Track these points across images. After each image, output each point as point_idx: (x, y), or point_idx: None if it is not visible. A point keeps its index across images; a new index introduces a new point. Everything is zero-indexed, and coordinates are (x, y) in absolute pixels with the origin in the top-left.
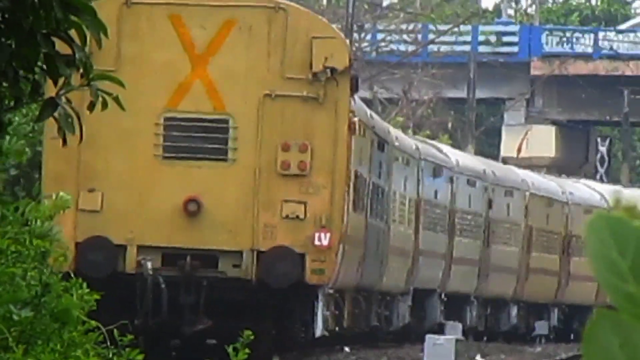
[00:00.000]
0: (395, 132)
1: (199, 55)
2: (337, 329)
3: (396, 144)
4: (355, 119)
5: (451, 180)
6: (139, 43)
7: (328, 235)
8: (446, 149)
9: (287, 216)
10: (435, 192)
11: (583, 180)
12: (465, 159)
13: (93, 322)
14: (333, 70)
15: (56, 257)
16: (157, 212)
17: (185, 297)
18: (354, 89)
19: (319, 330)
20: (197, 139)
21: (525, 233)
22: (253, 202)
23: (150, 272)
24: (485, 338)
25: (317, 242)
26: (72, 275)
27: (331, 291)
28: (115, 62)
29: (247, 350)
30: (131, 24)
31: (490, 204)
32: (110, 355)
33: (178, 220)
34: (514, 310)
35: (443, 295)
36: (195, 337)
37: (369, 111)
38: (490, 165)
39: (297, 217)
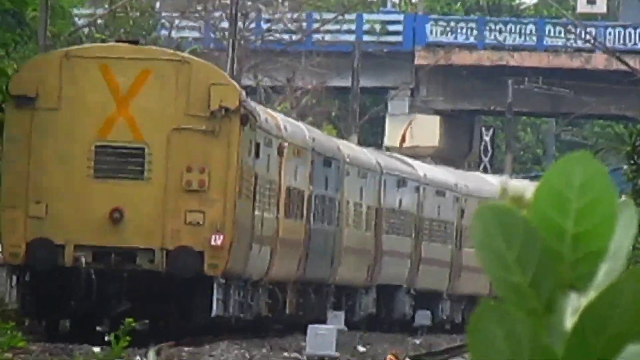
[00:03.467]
0: (349, 149)
1: (122, 97)
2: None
3: (347, 159)
4: (285, 144)
5: (380, 181)
6: (76, 87)
7: (221, 237)
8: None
9: (189, 222)
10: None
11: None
12: (393, 163)
13: None
14: (227, 109)
15: (8, 251)
16: (89, 219)
17: (110, 286)
18: (244, 123)
19: (214, 312)
20: (120, 162)
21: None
22: (163, 212)
23: (84, 266)
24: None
25: (212, 243)
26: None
27: (223, 280)
28: (57, 102)
29: (127, 338)
30: (69, 72)
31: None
32: None
33: (105, 225)
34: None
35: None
36: (117, 317)
37: (311, 134)
38: (425, 169)
39: (198, 223)
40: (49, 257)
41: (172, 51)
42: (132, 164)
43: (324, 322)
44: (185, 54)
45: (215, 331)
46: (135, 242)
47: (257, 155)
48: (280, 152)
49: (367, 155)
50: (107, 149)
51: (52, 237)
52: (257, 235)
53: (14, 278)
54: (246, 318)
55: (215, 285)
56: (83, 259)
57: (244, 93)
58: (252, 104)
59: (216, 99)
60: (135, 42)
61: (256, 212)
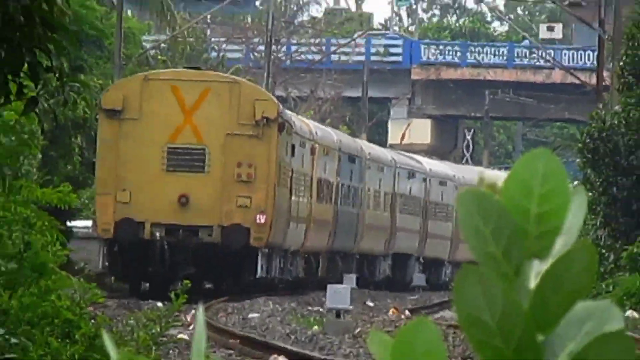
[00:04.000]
0: (369, 149)
1: (188, 110)
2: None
3: (368, 157)
4: (316, 145)
5: (394, 174)
6: (152, 102)
7: (264, 216)
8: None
9: (239, 205)
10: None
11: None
12: (405, 159)
13: (64, 273)
14: (267, 119)
15: (101, 228)
16: (162, 203)
17: (178, 255)
18: (281, 129)
19: (258, 274)
20: (186, 159)
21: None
22: (219, 197)
23: (158, 239)
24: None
25: (257, 221)
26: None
27: (266, 250)
28: (138, 113)
29: (185, 296)
30: (148, 91)
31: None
32: (78, 299)
33: (175, 207)
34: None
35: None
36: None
37: (339, 137)
38: (430, 164)
39: (246, 206)
40: (132, 232)
41: (226, 74)
42: (195, 160)
43: (379, 284)
44: (237, 77)
45: (259, 290)
46: (198, 220)
47: (292, 154)
48: (312, 152)
49: (385, 153)
50: (177, 150)
51: (134, 217)
52: (293, 216)
53: (105, 249)
54: (286, 279)
55: (259, 254)
56: (158, 234)
57: (281, 106)
58: (289, 114)
59: (259, 111)
60: (198, 68)
61: (293, 198)
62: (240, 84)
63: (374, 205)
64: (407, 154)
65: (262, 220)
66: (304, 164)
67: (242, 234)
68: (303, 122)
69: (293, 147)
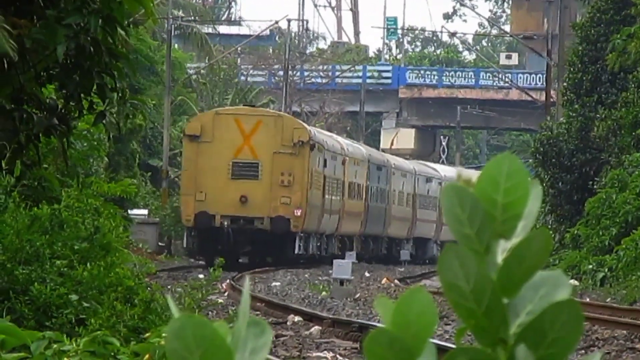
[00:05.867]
0: (394, 160)
1: (246, 135)
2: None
3: (393, 166)
4: (347, 158)
5: (415, 179)
6: (221, 130)
7: (300, 210)
8: (434, 166)
9: (282, 202)
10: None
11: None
12: (424, 168)
13: (125, 251)
14: (302, 142)
15: (184, 218)
16: (228, 200)
17: (240, 237)
18: (312, 149)
19: (296, 251)
20: (246, 170)
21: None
22: (268, 196)
23: (226, 226)
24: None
25: (295, 214)
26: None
27: (302, 234)
28: (211, 138)
29: (220, 270)
30: (218, 121)
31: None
32: (137, 272)
33: (237, 204)
34: (432, 245)
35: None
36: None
37: (368, 152)
38: (445, 170)
39: (287, 203)
40: (207, 222)
41: (273, 110)
42: (252, 171)
43: (375, 259)
44: (281, 112)
45: (297, 264)
46: (253, 213)
47: (325, 165)
48: (343, 163)
49: (407, 163)
50: (238, 163)
51: (208, 211)
52: (327, 209)
53: (187, 233)
54: (324, 255)
55: (297, 237)
56: (225, 223)
57: (312, 131)
58: (321, 137)
59: (296, 136)
60: (253, 106)
61: (326, 196)
62: (283, 117)
63: (399, 201)
64: (427, 163)
65: (298, 213)
66: (335, 172)
67: (285, 223)
68: (336, 141)
69: (325, 160)
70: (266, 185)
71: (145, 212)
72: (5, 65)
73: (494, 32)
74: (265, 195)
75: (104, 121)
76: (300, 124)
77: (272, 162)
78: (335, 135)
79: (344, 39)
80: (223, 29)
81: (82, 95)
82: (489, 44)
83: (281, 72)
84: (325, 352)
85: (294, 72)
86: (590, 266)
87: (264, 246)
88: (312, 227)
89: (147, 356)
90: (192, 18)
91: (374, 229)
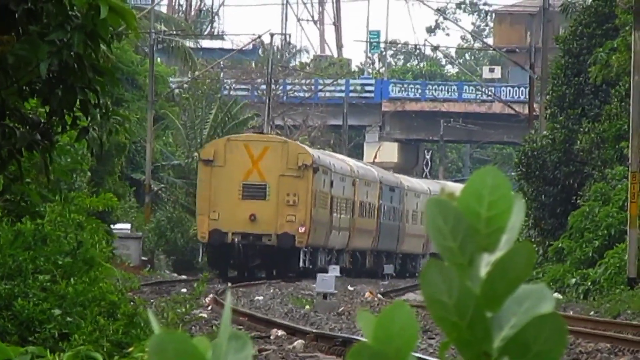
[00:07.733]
0: (407, 182)
1: (255, 160)
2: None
3: (406, 187)
4: (357, 180)
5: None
6: (233, 154)
7: (304, 227)
8: (451, 184)
9: (288, 220)
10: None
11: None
12: (438, 187)
13: (108, 265)
14: (306, 165)
15: (200, 235)
16: (239, 219)
17: (250, 252)
18: (315, 171)
19: (301, 264)
20: (255, 191)
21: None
22: (275, 215)
23: (237, 242)
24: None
25: (300, 230)
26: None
27: (306, 249)
28: (223, 162)
29: (204, 284)
30: (229, 148)
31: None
32: (120, 286)
33: (247, 222)
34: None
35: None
36: (252, 268)
37: (380, 174)
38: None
39: (292, 220)
40: (220, 238)
41: (279, 136)
42: (260, 192)
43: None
44: (287, 138)
45: (302, 277)
46: (262, 230)
47: (332, 185)
48: (353, 184)
49: (420, 184)
50: (248, 185)
51: (221, 228)
52: (335, 226)
53: (203, 249)
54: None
55: (301, 252)
56: (236, 239)
57: (316, 155)
58: (328, 160)
59: (301, 160)
60: (261, 132)
61: (334, 215)
62: (288, 143)
63: (412, 220)
64: (446, 182)
65: (302, 230)
66: (344, 192)
67: (290, 239)
68: (344, 163)
69: (332, 181)
70: (273, 204)
71: (128, 226)
72: None
73: (477, 45)
74: (273, 213)
75: (86, 137)
76: (304, 149)
77: (278, 183)
78: (347, 158)
79: (327, 52)
80: (206, 43)
81: (65, 110)
82: (472, 58)
83: (264, 86)
84: None
85: (277, 86)
86: (574, 279)
87: (272, 260)
88: (319, 242)
89: None
90: (175, 32)
91: (387, 245)
